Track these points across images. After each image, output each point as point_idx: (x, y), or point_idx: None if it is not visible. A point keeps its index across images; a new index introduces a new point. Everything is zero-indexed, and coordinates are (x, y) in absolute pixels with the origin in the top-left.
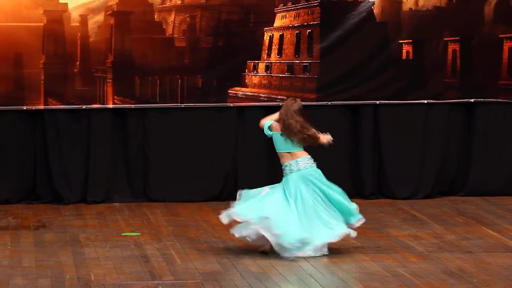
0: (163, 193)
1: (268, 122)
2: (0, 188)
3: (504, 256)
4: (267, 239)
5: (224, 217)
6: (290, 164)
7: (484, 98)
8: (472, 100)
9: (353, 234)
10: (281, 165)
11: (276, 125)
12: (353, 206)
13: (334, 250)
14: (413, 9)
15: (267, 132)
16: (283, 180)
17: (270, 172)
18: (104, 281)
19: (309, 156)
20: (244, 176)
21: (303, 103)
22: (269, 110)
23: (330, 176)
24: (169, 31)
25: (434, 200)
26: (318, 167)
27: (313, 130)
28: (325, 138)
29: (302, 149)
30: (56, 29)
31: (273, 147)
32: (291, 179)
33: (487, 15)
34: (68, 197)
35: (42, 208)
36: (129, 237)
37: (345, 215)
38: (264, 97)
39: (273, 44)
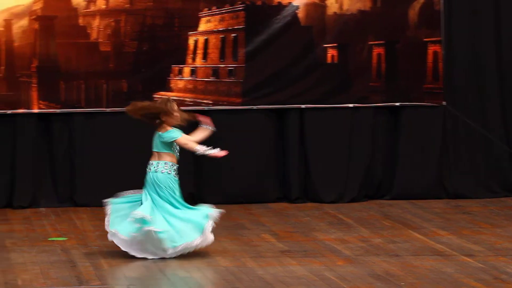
0: (89, 197)
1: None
2: None
3: (431, 259)
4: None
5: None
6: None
7: (409, 102)
8: (397, 104)
9: None
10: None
11: None
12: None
13: (261, 254)
14: (338, 13)
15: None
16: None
17: (197, 175)
18: (31, 287)
19: (166, 161)
20: None
21: (229, 107)
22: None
23: (256, 179)
24: (94, 35)
25: (360, 204)
26: (245, 170)
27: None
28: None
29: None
30: None
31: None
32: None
33: (412, 19)
34: None
35: None
36: (56, 242)
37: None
38: (190, 101)
39: (198, 49)
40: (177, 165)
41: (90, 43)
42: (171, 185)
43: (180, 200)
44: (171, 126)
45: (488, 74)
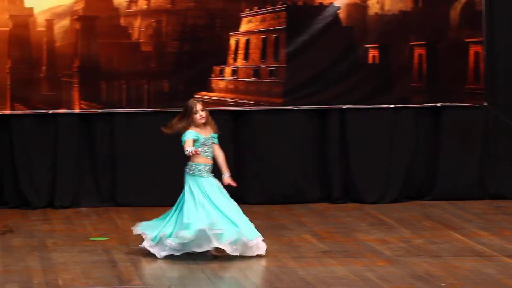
0: (131, 197)
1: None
2: None
3: (471, 260)
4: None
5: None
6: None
7: (450, 102)
8: (438, 105)
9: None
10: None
11: None
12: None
13: (302, 254)
14: (379, 13)
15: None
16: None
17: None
18: (72, 286)
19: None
20: None
21: (270, 107)
22: (236, 115)
23: (297, 180)
24: (135, 35)
25: (401, 204)
26: (286, 171)
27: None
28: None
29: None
30: (21, 34)
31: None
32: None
33: (453, 19)
34: (35, 202)
35: (9, 213)
36: (97, 242)
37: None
38: (231, 101)
39: (239, 49)
40: (204, 165)
41: (132, 43)
42: (190, 183)
43: (203, 199)
44: (194, 127)
45: None
